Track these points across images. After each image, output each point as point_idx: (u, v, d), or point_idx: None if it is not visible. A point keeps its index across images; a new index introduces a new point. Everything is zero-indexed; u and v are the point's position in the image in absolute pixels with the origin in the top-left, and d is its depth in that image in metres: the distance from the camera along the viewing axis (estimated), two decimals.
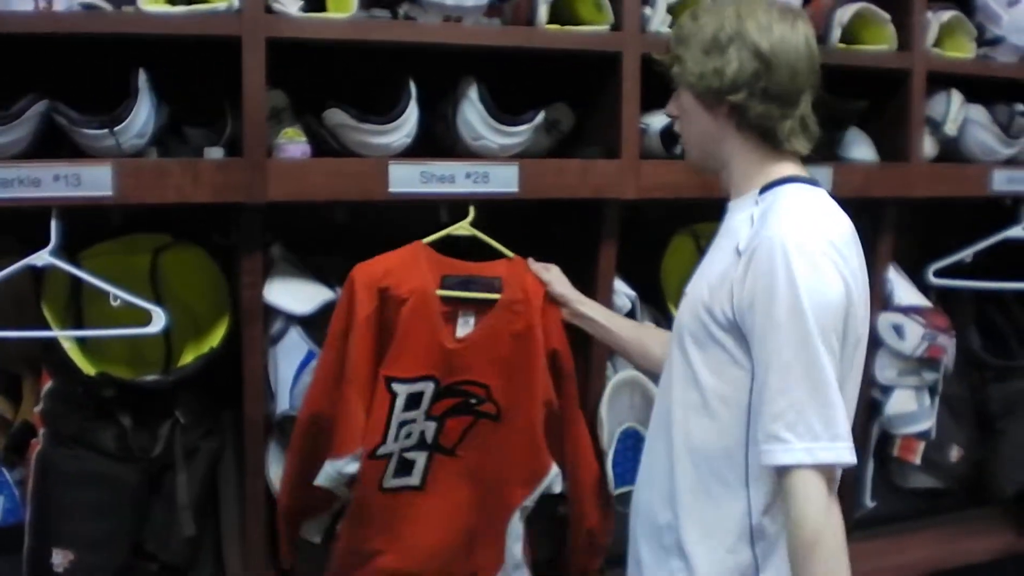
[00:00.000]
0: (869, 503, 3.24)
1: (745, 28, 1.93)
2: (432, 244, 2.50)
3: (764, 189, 1.98)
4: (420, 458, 2.54)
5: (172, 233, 2.58)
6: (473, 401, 2.53)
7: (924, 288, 3.12)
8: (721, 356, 1.93)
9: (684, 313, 2.05)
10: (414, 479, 2.54)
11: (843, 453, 1.79)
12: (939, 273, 3.13)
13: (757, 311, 1.83)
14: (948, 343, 3.03)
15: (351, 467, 2.42)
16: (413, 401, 2.46)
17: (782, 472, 1.80)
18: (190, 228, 2.58)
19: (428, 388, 2.46)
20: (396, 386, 2.42)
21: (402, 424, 2.46)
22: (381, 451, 2.45)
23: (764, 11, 1.94)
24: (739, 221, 1.99)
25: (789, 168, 2.02)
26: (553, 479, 2.57)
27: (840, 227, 1.93)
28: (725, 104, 1.97)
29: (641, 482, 2.21)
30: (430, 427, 2.52)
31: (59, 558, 2.34)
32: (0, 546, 2.46)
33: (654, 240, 2.88)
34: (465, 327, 2.52)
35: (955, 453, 3.25)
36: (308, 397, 2.43)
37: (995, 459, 3.34)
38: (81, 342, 2.41)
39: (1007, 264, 3.19)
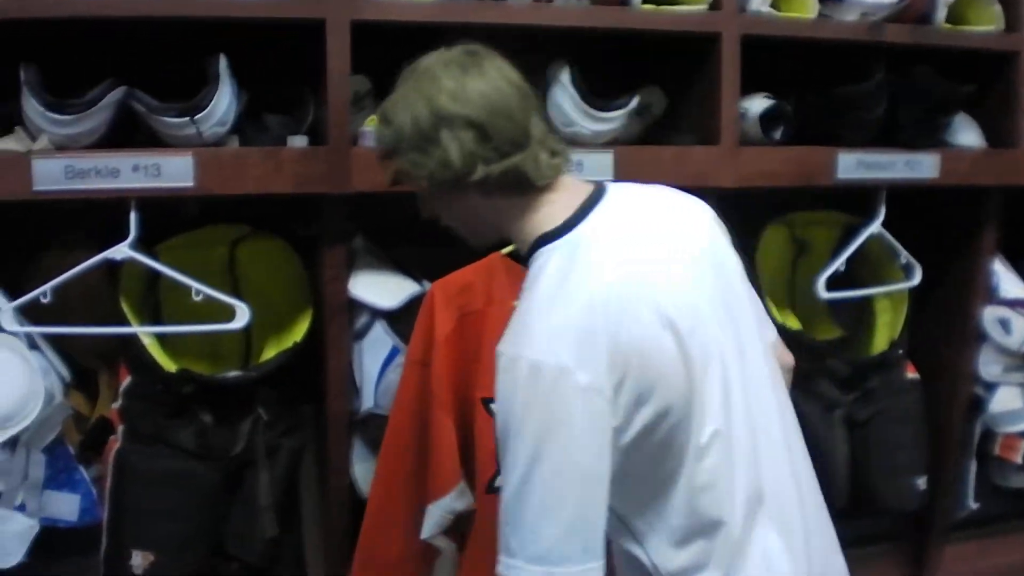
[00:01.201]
0: (972, 504, 3.12)
1: (440, 105, 1.69)
2: (510, 253, 2.40)
3: (530, 255, 1.75)
4: None
5: (249, 224, 2.50)
6: None
7: None
8: None
9: None
10: None
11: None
12: None
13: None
14: None
15: (460, 502, 2.33)
16: None
17: None
18: (267, 218, 2.50)
19: None
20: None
21: None
22: (499, 482, 2.36)
23: (447, 75, 1.71)
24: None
25: (548, 207, 1.74)
26: None
27: (588, 305, 1.60)
28: (467, 187, 1.73)
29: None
30: None
31: (138, 559, 2.29)
32: (78, 546, 2.42)
33: (746, 231, 2.76)
34: None
35: None
36: (393, 426, 2.34)
37: None
38: (160, 338, 2.35)
39: None
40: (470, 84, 1.70)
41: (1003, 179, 2.81)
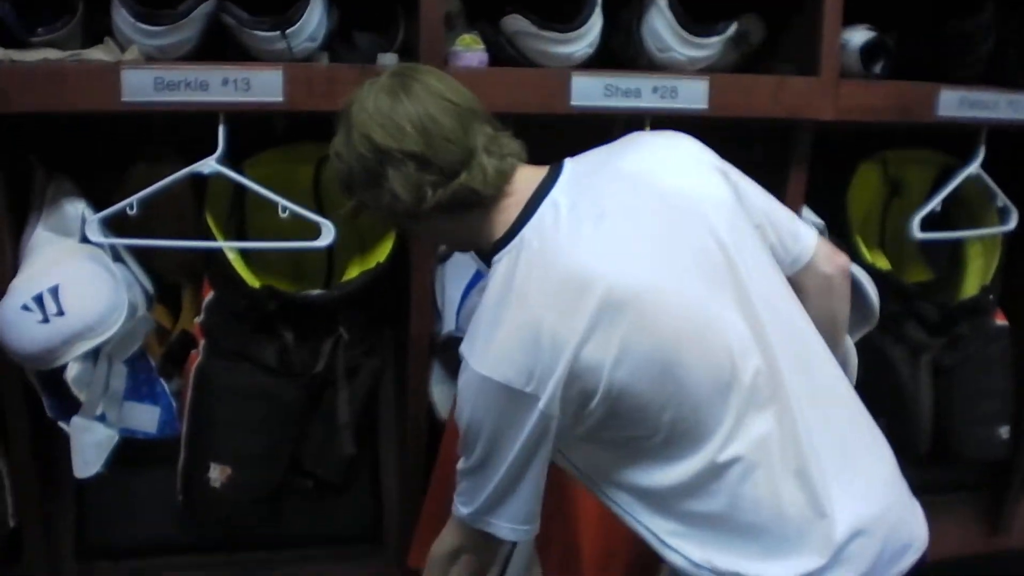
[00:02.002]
0: None
1: (377, 142, 1.68)
2: None
3: (487, 260, 1.75)
4: None
5: None
6: None
7: None
8: None
9: None
10: None
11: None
12: None
13: None
14: None
15: None
16: None
17: None
18: None
19: None
20: None
21: None
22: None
23: (377, 106, 1.69)
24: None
25: (502, 213, 1.72)
26: None
27: (535, 315, 1.60)
28: (423, 213, 1.72)
29: None
30: None
31: (215, 473, 2.31)
32: (156, 458, 2.44)
33: (840, 166, 2.70)
34: None
35: None
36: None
37: None
38: (244, 254, 2.34)
39: None
40: (400, 112, 1.68)
41: None
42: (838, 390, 1.79)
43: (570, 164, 1.75)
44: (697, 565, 1.68)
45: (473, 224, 1.74)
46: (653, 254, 1.64)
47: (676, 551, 1.70)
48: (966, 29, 2.48)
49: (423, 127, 1.67)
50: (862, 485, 1.75)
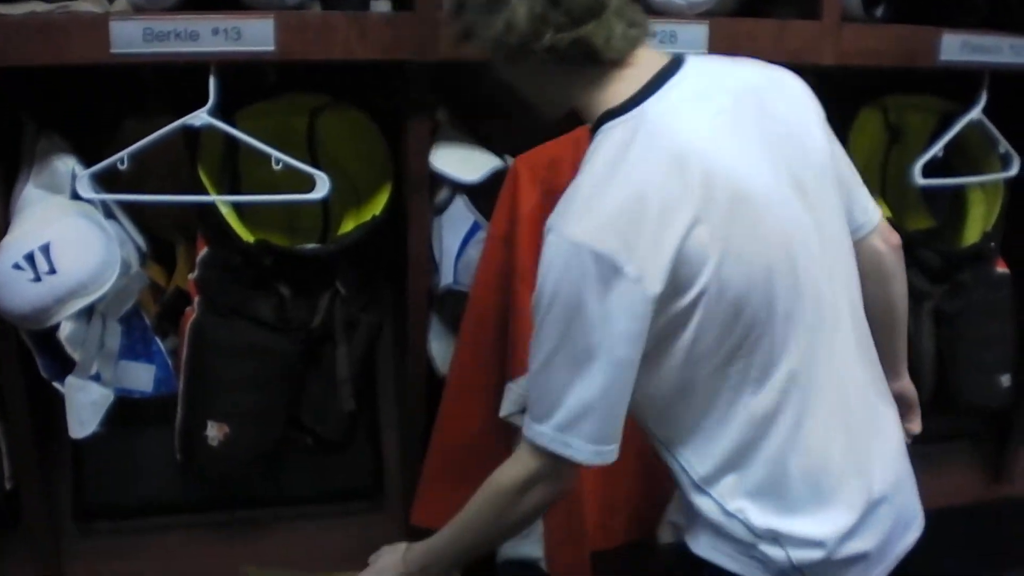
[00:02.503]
0: None
1: None
2: None
3: (594, 131, 1.65)
4: None
5: (330, 93, 2.43)
6: None
7: None
8: None
9: None
10: None
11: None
12: None
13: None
14: None
15: None
16: None
17: None
18: (348, 89, 2.42)
19: None
20: None
21: None
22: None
23: None
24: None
25: (618, 83, 1.64)
26: None
27: (640, 186, 1.53)
28: (532, 54, 1.62)
29: None
30: None
31: (213, 431, 2.29)
32: (152, 417, 2.42)
33: (840, 113, 2.65)
34: None
35: None
36: (474, 302, 2.32)
37: None
38: (238, 208, 2.30)
39: None
40: None
41: None
42: (872, 354, 1.77)
43: (691, 59, 1.68)
44: (729, 514, 1.65)
45: (583, 84, 1.65)
46: (766, 164, 1.61)
47: (710, 496, 1.66)
48: None
49: None
50: (887, 451, 1.74)
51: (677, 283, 1.51)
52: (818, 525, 1.63)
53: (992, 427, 3.17)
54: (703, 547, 1.71)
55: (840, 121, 2.56)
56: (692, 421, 1.65)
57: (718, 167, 1.55)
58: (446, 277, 2.37)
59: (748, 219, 1.55)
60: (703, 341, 1.57)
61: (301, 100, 2.42)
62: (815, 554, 1.64)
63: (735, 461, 1.64)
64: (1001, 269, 2.84)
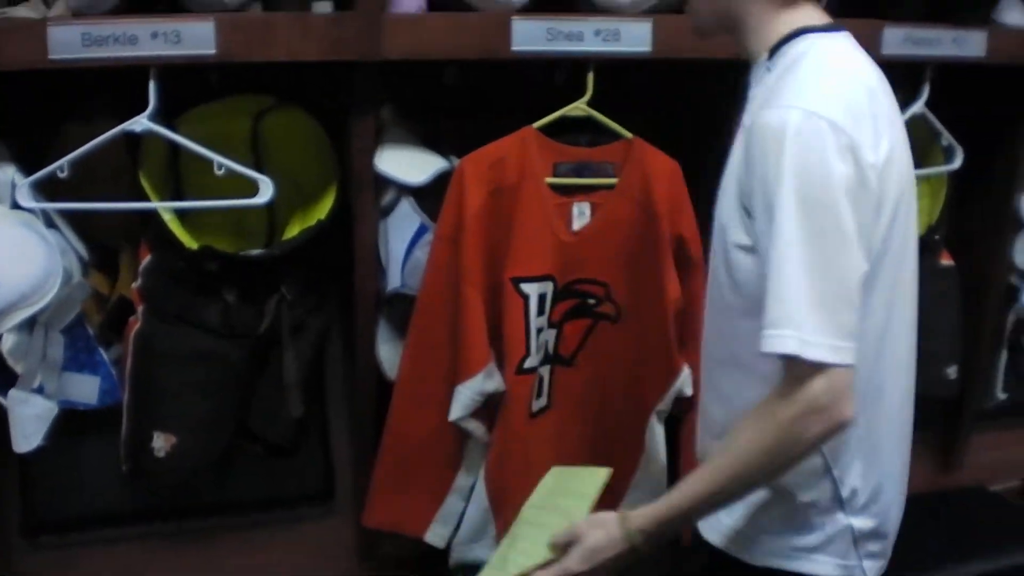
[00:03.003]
0: (1000, 395, 3.09)
1: None
2: (543, 128, 2.32)
3: (774, 51, 1.67)
4: (545, 373, 2.40)
5: (274, 95, 2.40)
6: (591, 302, 2.39)
7: None
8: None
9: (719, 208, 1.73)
10: (543, 399, 2.40)
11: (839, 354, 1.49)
12: None
13: (757, 202, 1.55)
14: None
15: (490, 383, 2.29)
16: (540, 304, 2.32)
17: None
18: (292, 90, 2.40)
19: (548, 289, 2.33)
20: (525, 287, 2.29)
21: (539, 331, 2.32)
22: (527, 364, 2.33)
23: None
24: (755, 94, 1.70)
25: (801, 14, 1.69)
26: (684, 380, 2.38)
27: (855, 86, 1.60)
28: None
29: None
30: (551, 335, 2.37)
31: (160, 441, 2.26)
32: (97, 428, 2.39)
33: None
34: (581, 218, 2.37)
35: None
36: (422, 305, 2.30)
37: None
38: (181, 214, 2.27)
39: None
40: None
41: None
42: None
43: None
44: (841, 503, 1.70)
45: (756, 5, 1.69)
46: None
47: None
48: None
49: None
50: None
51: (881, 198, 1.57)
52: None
53: (941, 417, 3.19)
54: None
55: None
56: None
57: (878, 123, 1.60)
58: (393, 280, 2.35)
59: (908, 189, 1.67)
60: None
61: (244, 102, 2.39)
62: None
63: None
64: (946, 262, 2.86)
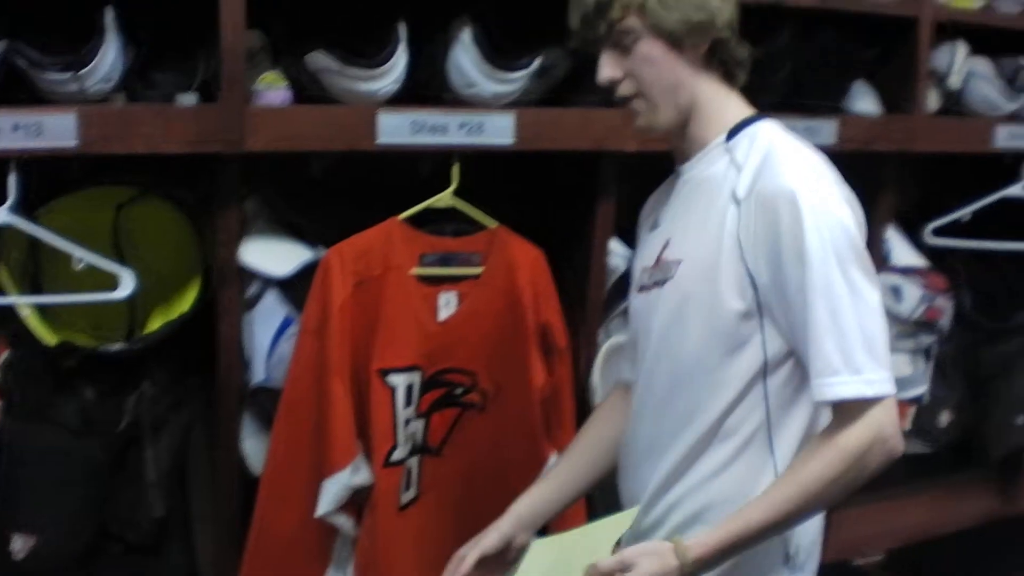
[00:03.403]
0: None
1: None
2: (409, 219, 2.33)
3: (732, 133, 1.79)
4: (414, 464, 2.38)
5: (137, 186, 2.37)
6: (459, 391, 2.39)
7: (919, 247, 3.03)
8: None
9: (685, 281, 1.79)
10: (412, 490, 2.38)
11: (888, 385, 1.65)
12: (937, 232, 3.02)
13: (786, 263, 1.64)
14: (946, 305, 2.96)
15: (358, 477, 2.26)
16: (408, 395, 2.31)
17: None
18: (156, 180, 2.37)
19: (415, 379, 2.32)
20: (392, 378, 2.28)
21: (406, 422, 2.31)
22: (395, 456, 2.31)
23: None
24: (715, 172, 1.78)
25: (744, 106, 1.85)
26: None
27: (821, 158, 1.77)
28: (706, 42, 1.76)
29: None
30: (419, 426, 2.36)
31: (19, 543, 2.19)
32: None
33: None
34: (448, 308, 2.37)
35: (945, 418, 3.17)
36: (287, 399, 2.27)
37: (985, 423, 3.28)
38: (40, 308, 2.22)
39: (1001, 222, 3.08)
40: None
41: (900, 145, 2.81)
42: None
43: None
44: None
45: (708, 96, 1.80)
46: None
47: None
48: (760, 56, 2.53)
49: None
50: None
51: None
52: None
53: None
54: None
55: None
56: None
57: None
58: (258, 373, 2.31)
59: None
60: None
61: (106, 193, 2.34)
62: None
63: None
64: None
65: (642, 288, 1.90)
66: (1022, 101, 2.97)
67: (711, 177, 1.78)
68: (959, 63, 2.87)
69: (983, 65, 2.94)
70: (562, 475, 2.05)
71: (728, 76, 1.82)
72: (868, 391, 1.59)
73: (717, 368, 1.74)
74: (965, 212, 3.00)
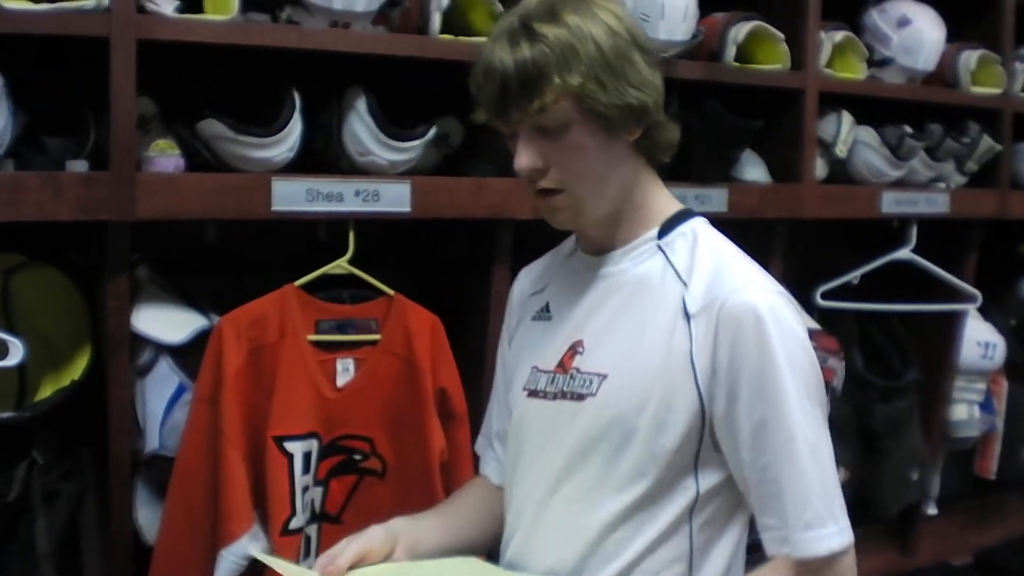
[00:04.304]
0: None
1: (631, 25, 1.59)
2: (305, 285, 2.34)
3: (664, 230, 1.66)
4: (312, 532, 2.37)
5: (24, 252, 2.34)
6: (357, 457, 2.38)
7: (809, 309, 3.07)
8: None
9: (614, 402, 1.60)
10: (312, 558, 2.35)
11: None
12: (826, 295, 3.09)
13: (753, 394, 1.52)
14: (838, 365, 3.02)
15: (255, 546, 2.23)
16: (306, 462, 2.29)
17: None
18: (45, 246, 2.34)
19: (313, 446, 2.31)
20: (289, 445, 2.26)
21: (304, 489, 2.29)
22: (294, 524, 2.28)
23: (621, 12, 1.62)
24: (648, 274, 1.64)
25: (670, 197, 1.72)
26: None
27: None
28: (640, 128, 1.61)
29: None
30: (318, 493, 2.35)
31: None
32: None
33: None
34: (345, 375, 2.37)
35: (841, 475, 3.19)
36: (181, 468, 2.24)
37: (879, 479, 3.35)
38: None
39: (889, 283, 3.17)
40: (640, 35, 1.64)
41: (788, 212, 2.89)
42: None
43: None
44: None
45: (645, 179, 1.69)
46: None
47: None
48: None
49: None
50: None
51: None
52: None
53: None
54: None
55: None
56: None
57: None
58: (151, 442, 2.28)
59: None
60: None
61: None
62: None
63: None
64: None
65: (539, 394, 1.72)
66: (907, 168, 3.07)
67: (645, 280, 1.64)
68: (845, 132, 2.96)
69: (868, 134, 3.04)
70: (444, 513, 1.98)
71: (653, 162, 1.69)
72: (846, 539, 1.55)
73: (641, 503, 1.58)
74: (854, 276, 3.09)
